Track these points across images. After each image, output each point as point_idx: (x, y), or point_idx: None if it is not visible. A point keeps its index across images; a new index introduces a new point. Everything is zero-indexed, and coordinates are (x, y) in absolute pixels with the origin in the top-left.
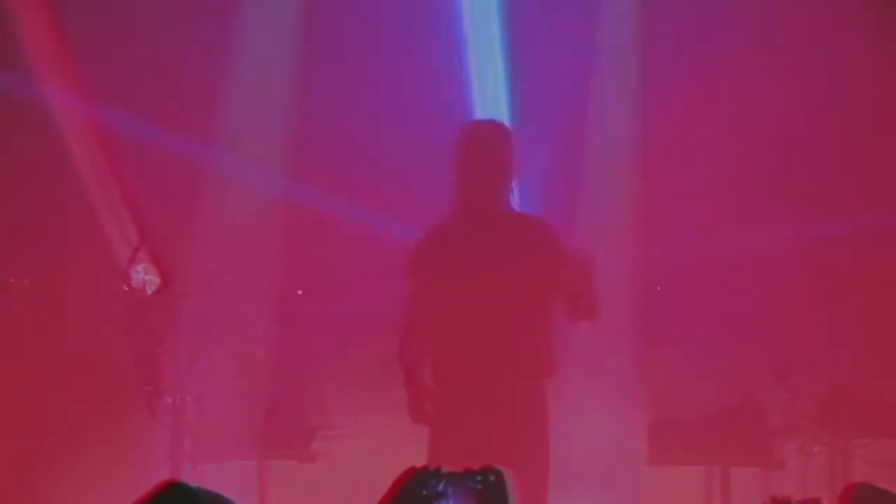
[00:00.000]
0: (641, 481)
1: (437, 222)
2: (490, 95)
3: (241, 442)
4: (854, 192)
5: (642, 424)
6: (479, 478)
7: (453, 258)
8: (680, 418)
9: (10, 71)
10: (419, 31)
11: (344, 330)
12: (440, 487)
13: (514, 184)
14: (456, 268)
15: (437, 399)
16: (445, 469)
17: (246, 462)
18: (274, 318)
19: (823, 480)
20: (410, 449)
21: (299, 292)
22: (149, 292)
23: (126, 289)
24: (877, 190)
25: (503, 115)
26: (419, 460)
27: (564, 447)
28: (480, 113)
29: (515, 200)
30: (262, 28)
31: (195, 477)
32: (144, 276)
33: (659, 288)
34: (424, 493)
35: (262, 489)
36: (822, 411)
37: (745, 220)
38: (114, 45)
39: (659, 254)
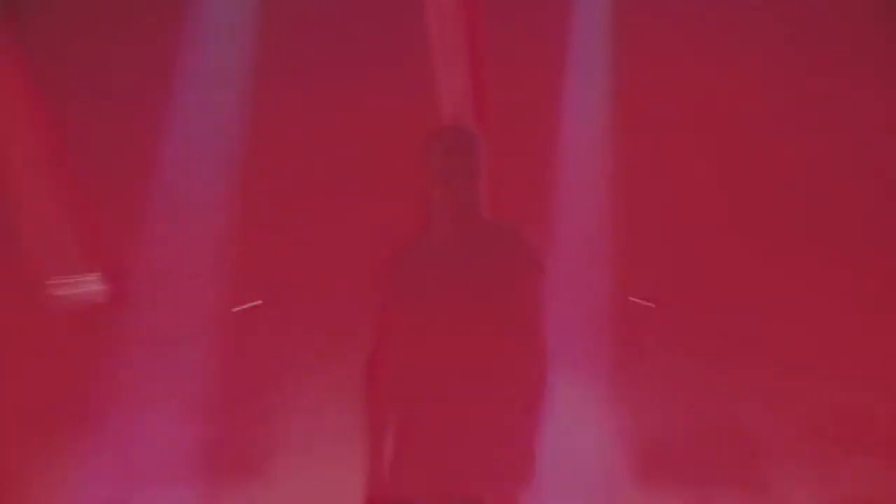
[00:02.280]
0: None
1: (406, 236)
2: (458, 100)
3: (189, 466)
4: (833, 201)
5: (624, 444)
6: None
7: (426, 272)
8: (662, 438)
9: None
10: (385, 35)
11: (296, 351)
12: None
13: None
14: (429, 282)
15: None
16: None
17: (193, 487)
18: (222, 338)
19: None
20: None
21: (256, 302)
22: (93, 304)
23: (69, 301)
24: (859, 198)
25: (471, 120)
26: None
27: (543, 466)
28: (448, 119)
29: (486, 208)
30: (216, 32)
31: (141, 502)
32: (89, 287)
33: (632, 299)
34: None
35: None
36: (808, 430)
37: (726, 231)
38: (61, 46)
39: (638, 266)
